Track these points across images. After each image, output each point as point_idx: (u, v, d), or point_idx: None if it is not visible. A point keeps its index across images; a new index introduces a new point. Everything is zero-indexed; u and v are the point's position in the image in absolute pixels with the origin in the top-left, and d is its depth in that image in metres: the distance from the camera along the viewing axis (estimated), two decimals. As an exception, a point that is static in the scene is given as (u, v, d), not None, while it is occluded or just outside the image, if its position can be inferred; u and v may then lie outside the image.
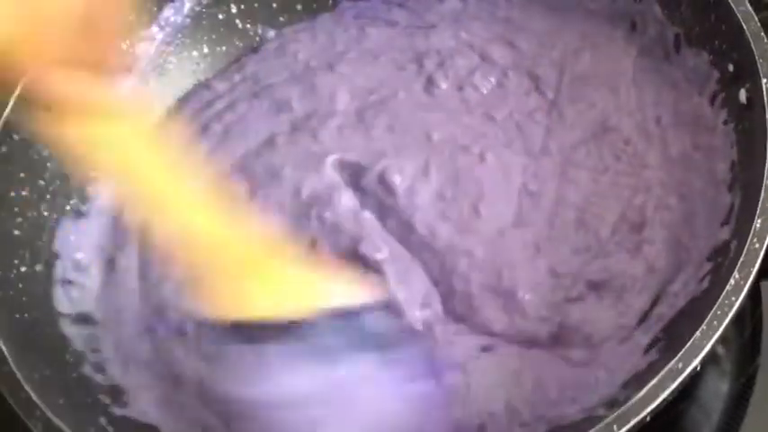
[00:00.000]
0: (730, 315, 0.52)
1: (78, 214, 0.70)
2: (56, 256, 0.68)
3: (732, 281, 0.53)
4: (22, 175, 0.66)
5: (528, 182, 0.66)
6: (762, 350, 0.65)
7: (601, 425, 0.50)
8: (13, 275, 0.62)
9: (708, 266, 0.59)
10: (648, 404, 0.50)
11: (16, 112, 0.64)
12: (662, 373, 0.51)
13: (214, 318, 0.51)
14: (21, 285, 0.62)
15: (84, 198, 0.71)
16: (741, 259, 0.53)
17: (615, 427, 0.49)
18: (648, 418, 0.50)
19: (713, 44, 0.65)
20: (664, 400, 0.50)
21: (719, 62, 0.65)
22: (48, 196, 0.68)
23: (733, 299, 0.53)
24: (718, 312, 0.52)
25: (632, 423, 0.49)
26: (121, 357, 0.65)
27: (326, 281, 0.54)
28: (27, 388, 0.55)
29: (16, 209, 0.65)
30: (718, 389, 0.65)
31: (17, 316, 0.60)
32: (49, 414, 0.54)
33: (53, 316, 0.63)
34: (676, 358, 0.51)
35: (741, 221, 0.57)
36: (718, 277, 0.56)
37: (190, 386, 0.62)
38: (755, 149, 0.58)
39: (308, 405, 0.51)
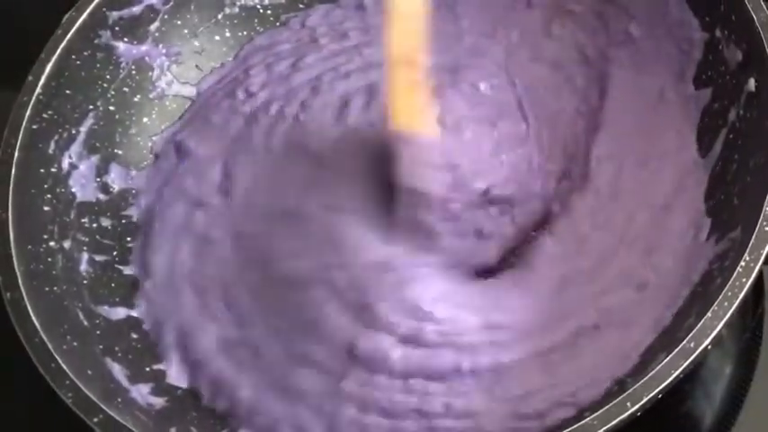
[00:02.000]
0: (741, 296, 0.53)
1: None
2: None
3: (742, 263, 0.53)
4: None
5: None
6: (764, 333, 0.66)
7: (614, 402, 0.50)
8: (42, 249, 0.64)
9: (717, 249, 0.59)
10: (661, 382, 0.50)
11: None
12: (674, 352, 0.51)
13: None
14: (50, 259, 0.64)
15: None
16: (751, 242, 0.54)
17: (629, 404, 0.50)
18: (660, 396, 0.50)
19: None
20: (675, 378, 0.51)
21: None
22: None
23: (744, 280, 0.53)
24: (729, 294, 0.53)
25: (644, 400, 0.50)
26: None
27: None
28: (57, 358, 0.57)
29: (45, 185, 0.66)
30: (720, 371, 0.65)
31: (46, 289, 0.62)
32: (80, 383, 0.56)
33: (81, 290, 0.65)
34: (688, 338, 0.52)
35: (750, 205, 0.57)
36: (728, 260, 0.56)
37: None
38: (763, 136, 0.59)
39: None
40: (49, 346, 0.57)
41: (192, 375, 0.64)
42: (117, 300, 0.67)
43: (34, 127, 0.66)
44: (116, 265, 0.69)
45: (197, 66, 0.77)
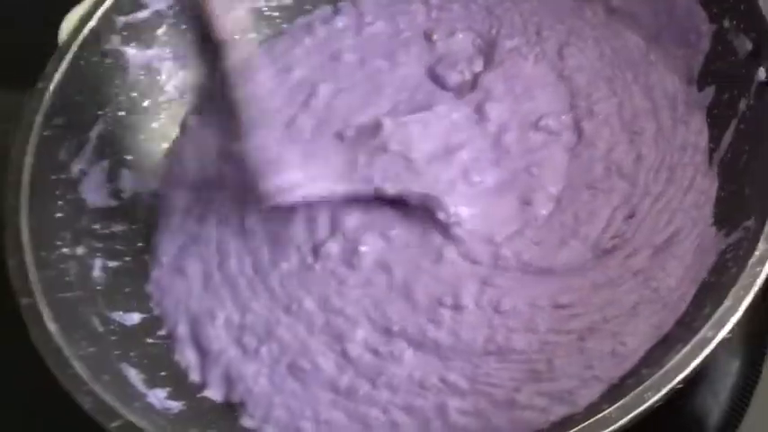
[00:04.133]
0: (757, 284, 0.53)
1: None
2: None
3: (757, 252, 0.53)
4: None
5: None
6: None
7: (633, 393, 0.50)
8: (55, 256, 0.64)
9: (730, 239, 0.59)
10: (680, 372, 0.50)
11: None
12: (692, 341, 0.51)
13: None
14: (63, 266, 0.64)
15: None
16: (765, 230, 0.54)
17: (647, 395, 0.50)
18: (680, 386, 0.50)
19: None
20: (695, 368, 0.50)
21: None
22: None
23: (758, 269, 0.53)
24: (745, 282, 0.53)
25: (664, 391, 0.50)
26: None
27: None
28: (74, 364, 0.57)
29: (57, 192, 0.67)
30: (727, 368, 0.65)
31: (60, 295, 0.62)
32: (97, 389, 0.56)
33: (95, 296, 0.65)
34: (705, 327, 0.52)
35: (762, 193, 0.57)
36: (742, 249, 0.56)
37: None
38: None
39: None
40: (66, 351, 0.57)
41: (205, 369, 0.65)
42: (132, 305, 0.67)
43: (45, 133, 0.67)
44: (129, 271, 0.69)
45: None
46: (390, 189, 0.66)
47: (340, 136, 0.71)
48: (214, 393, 0.64)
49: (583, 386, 0.57)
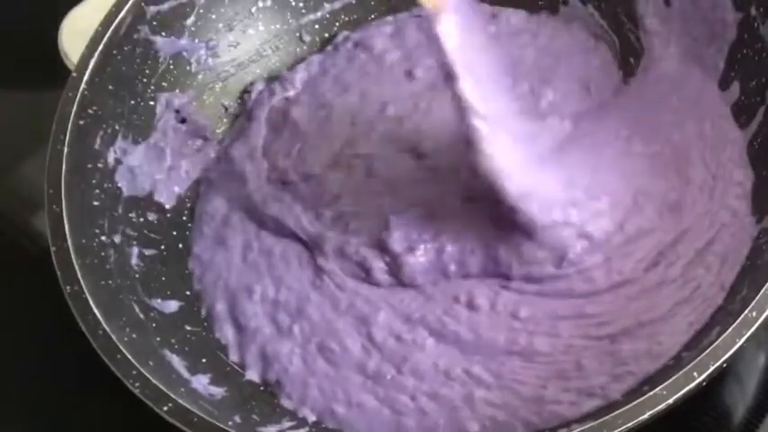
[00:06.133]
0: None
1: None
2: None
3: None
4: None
5: None
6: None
7: (681, 372, 0.50)
8: (95, 244, 0.64)
9: (765, 223, 0.60)
10: (726, 351, 0.51)
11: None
12: (738, 321, 0.51)
13: None
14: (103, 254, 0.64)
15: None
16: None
17: (695, 374, 0.50)
18: (725, 365, 0.50)
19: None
20: (740, 346, 0.51)
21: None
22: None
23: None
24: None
25: (711, 369, 0.50)
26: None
27: None
28: (123, 349, 0.57)
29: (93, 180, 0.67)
30: (754, 361, 0.65)
31: (102, 283, 0.62)
32: (146, 373, 0.56)
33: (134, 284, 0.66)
34: (749, 308, 0.52)
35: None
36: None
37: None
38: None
39: None
40: (113, 337, 0.57)
41: (243, 347, 0.66)
42: (168, 293, 0.67)
43: (80, 123, 0.67)
44: (165, 259, 0.69)
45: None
46: None
47: None
48: (252, 373, 0.65)
49: (615, 381, 0.57)
